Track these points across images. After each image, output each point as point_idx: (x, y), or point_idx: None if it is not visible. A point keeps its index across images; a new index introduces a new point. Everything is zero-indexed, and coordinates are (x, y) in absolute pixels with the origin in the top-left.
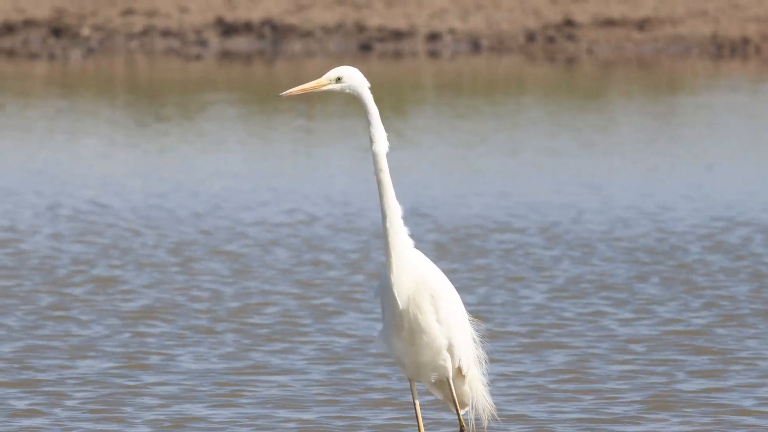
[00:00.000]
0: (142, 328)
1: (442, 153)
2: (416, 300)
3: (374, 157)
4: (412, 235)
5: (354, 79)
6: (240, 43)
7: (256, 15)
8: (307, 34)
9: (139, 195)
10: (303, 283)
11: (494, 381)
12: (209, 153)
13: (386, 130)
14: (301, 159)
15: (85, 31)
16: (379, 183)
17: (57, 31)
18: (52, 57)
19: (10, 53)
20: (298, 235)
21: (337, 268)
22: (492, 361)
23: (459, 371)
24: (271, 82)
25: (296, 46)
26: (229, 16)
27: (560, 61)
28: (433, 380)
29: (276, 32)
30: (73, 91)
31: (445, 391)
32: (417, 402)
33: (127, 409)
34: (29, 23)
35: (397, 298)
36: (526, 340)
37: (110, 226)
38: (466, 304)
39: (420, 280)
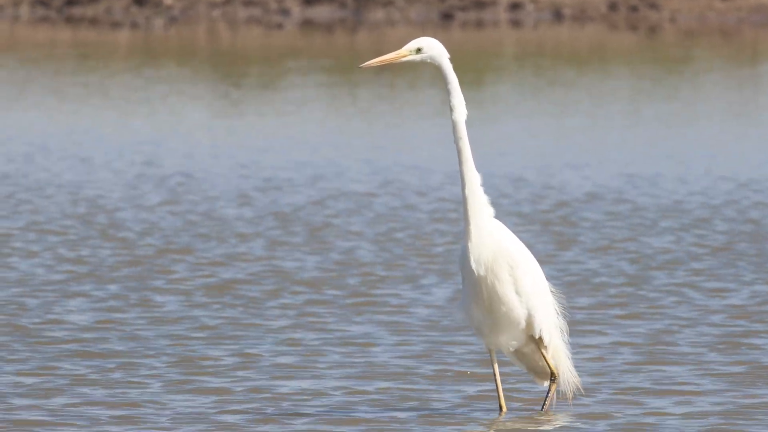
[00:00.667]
0: (254, 293)
1: (525, 122)
2: (494, 269)
3: (454, 125)
4: (496, 205)
5: (434, 49)
6: (322, 11)
7: None
8: (388, 3)
9: (222, 163)
10: (391, 250)
11: (579, 353)
12: (290, 122)
13: (468, 100)
14: (384, 127)
15: (168, 1)
16: (458, 151)
17: (140, 0)
18: (134, 26)
19: (93, 21)
20: (382, 204)
21: (424, 237)
22: (581, 332)
23: (540, 342)
24: (352, 51)
25: (378, 14)
26: None
27: (642, 30)
28: (512, 350)
29: (358, 1)
30: (156, 60)
31: (527, 361)
32: (497, 372)
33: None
34: None
35: (475, 266)
36: (617, 312)
37: (199, 194)
38: (554, 275)
39: (499, 250)
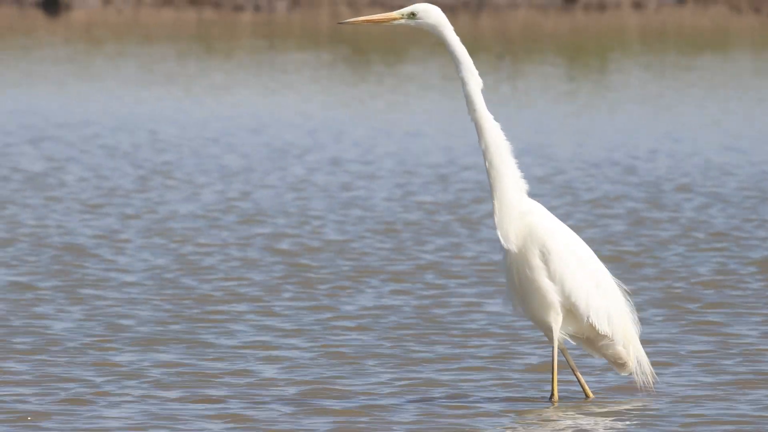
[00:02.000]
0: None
1: (646, 105)
2: (525, 253)
3: (466, 98)
4: (609, 190)
5: (431, 16)
6: None
7: None
8: None
9: (341, 143)
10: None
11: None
12: (412, 103)
13: (589, 82)
14: (503, 108)
15: None
16: (475, 124)
17: None
18: (257, 8)
19: (217, 4)
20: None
21: None
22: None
23: (592, 329)
24: (476, 33)
25: None
26: None
27: (766, 12)
28: (565, 336)
29: None
30: (278, 42)
31: (593, 349)
32: (554, 358)
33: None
34: None
35: (503, 244)
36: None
37: (331, 176)
38: (668, 270)
39: (530, 232)
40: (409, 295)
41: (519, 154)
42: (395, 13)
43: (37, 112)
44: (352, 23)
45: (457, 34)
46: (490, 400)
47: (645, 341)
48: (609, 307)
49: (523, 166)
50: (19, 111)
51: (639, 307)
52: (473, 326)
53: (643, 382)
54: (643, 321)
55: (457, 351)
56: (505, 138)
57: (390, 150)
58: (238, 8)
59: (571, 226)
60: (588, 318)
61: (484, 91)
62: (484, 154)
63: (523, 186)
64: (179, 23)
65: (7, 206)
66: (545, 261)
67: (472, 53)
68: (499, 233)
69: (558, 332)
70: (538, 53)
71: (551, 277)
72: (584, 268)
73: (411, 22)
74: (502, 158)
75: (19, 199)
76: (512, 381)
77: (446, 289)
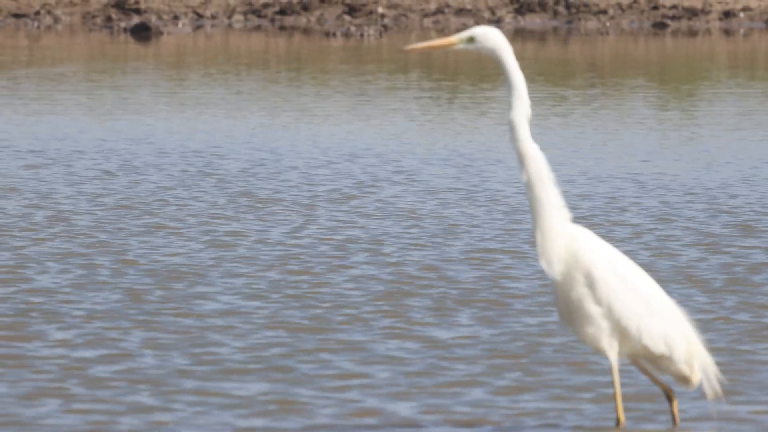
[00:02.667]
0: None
1: (736, 132)
2: (570, 281)
3: (510, 125)
4: (699, 216)
5: (489, 40)
6: (534, 20)
7: None
8: (600, 12)
9: (437, 170)
10: None
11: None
12: (489, 128)
13: (679, 108)
14: (595, 136)
15: (380, 9)
16: (517, 153)
17: (352, 9)
18: (347, 34)
19: (306, 31)
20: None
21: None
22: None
23: (647, 350)
24: (564, 60)
25: (590, 24)
26: None
27: None
28: (624, 358)
29: (570, 10)
30: (368, 69)
31: (659, 367)
32: (615, 379)
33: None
34: (325, 0)
35: (547, 273)
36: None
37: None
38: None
39: (574, 259)
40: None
41: (608, 178)
42: (454, 38)
43: (137, 139)
44: (413, 50)
45: (546, 60)
46: (555, 426)
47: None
48: (665, 327)
49: (614, 190)
50: (120, 138)
51: (738, 339)
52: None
53: (713, 392)
54: (734, 351)
55: (526, 378)
56: (548, 167)
57: (487, 176)
58: (328, 34)
59: (664, 253)
60: (641, 340)
61: (576, 116)
62: (526, 185)
63: (566, 215)
64: (269, 49)
65: (128, 240)
66: (590, 287)
67: (561, 79)
68: (542, 263)
69: (614, 356)
70: (627, 78)
71: (598, 302)
72: (634, 291)
73: (470, 46)
74: (545, 189)
75: (141, 232)
76: (579, 409)
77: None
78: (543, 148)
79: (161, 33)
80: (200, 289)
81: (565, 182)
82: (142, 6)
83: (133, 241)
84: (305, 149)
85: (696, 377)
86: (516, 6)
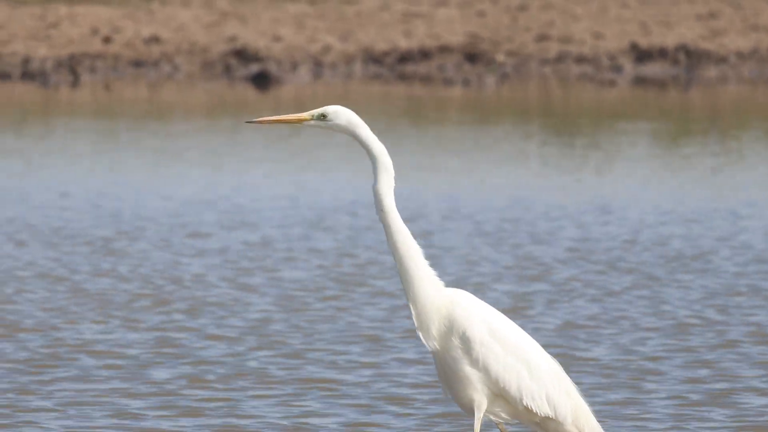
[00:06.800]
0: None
1: None
2: (445, 344)
3: (375, 196)
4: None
5: (340, 118)
6: (654, 68)
7: (670, 40)
8: (721, 60)
9: (563, 221)
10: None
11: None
12: (622, 183)
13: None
14: (716, 194)
15: (500, 57)
16: (383, 224)
17: (471, 57)
18: (466, 83)
19: (426, 79)
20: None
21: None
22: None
23: (530, 413)
24: (684, 108)
25: (710, 72)
26: (643, 42)
27: None
28: (501, 422)
29: (690, 58)
30: (488, 117)
31: (542, 429)
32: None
33: None
34: (444, 49)
35: (425, 345)
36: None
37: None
38: None
39: (449, 323)
40: None
41: (736, 221)
42: (305, 114)
43: (257, 191)
44: (260, 123)
45: (667, 107)
46: None
47: None
48: (547, 388)
49: (736, 238)
50: (247, 192)
51: None
52: None
53: None
54: None
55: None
56: (413, 240)
57: (613, 227)
58: (448, 83)
59: None
60: (522, 401)
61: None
62: (395, 256)
63: (438, 283)
64: (388, 97)
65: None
66: (465, 349)
67: (679, 126)
68: (419, 334)
69: (479, 419)
70: (747, 127)
71: (473, 364)
72: (513, 352)
73: (321, 123)
74: (412, 259)
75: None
76: None
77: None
78: (660, 197)
79: (280, 81)
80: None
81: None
82: (262, 54)
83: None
84: (431, 198)
85: None
86: (636, 54)
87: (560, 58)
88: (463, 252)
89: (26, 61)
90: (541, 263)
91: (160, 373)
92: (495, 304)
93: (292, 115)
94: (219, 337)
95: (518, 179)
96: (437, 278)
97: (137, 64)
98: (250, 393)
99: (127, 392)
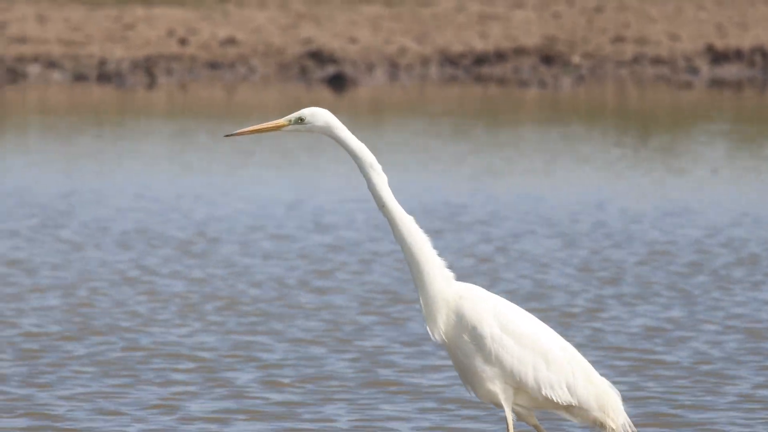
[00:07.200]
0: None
1: None
2: (456, 340)
3: (373, 194)
4: None
5: (318, 120)
6: (730, 70)
7: (746, 42)
8: None
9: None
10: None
11: None
12: (699, 185)
13: None
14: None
15: (576, 59)
16: (387, 219)
17: (547, 59)
18: (542, 84)
19: (501, 81)
20: None
21: None
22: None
23: (551, 402)
24: (761, 110)
25: None
26: (720, 44)
27: None
28: (522, 411)
29: (766, 59)
30: (564, 118)
31: (575, 417)
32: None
33: None
34: (520, 51)
35: (432, 338)
36: None
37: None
38: None
39: (458, 318)
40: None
41: None
42: (283, 120)
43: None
44: (241, 134)
45: (744, 109)
46: None
47: None
48: (567, 377)
49: None
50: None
51: None
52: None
53: None
54: None
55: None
56: (420, 230)
57: (687, 230)
58: (523, 85)
59: None
60: (542, 392)
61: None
62: (402, 248)
63: (448, 275)
64: (464, 99)
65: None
66: (477, 344)
67: (755, 128)
68: (427, 328)
69: (510, 411)
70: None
71: (486, 359)
72: (528, 344)
73: (300, 127)
74: (421, 251)
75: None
76: None
77: None
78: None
79: (356, 83)
80: None
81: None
82: (338, 56)
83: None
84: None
85: (614, 422)
86: (712, 56)
87: (636, 59)
88: (537, 253)
89: (102, 62)
90: (618, 265)
91: (236, 375)
92: (568, 306)
93: (270, 122)
94: (298, 340)
95: (595, 181)
96: (448, 270)
97: (213, 65)
98: (321, 396)
99: (199, 395)
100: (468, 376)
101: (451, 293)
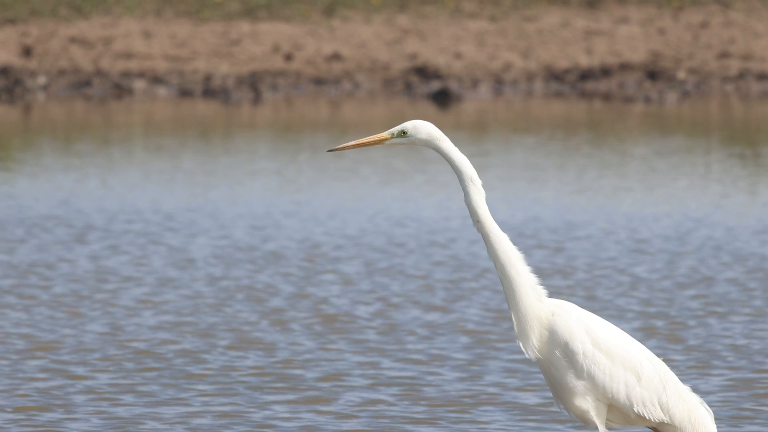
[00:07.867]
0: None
1: None
2: (549, 356)
3: (469, 209)
4: None
5: (421, 132)
6: None
7: None
8: None
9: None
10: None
11: None
12: None
13: None
14: None
15: (681, 75)
16: (482, 235)
17: (652, 75)
18: (647, 100)
19: (606, 96)
20: None
21: None
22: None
23: (643, 419)
24: None
25: None
26: None
27: None
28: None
29: None
30: (670, 133)
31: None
32: None
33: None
34: (625, 66)
35: (525, 354)
36: None
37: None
38: None
39: (550, 335)
40: None
41: None
42: (385, 134)
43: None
44: (343, 148)
45: None
46: None
47: None
48: (659, 394)
49: None
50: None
51: None
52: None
53: None
54: None
55: None
56: (513, 247)
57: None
58: (628, 100)
59: None
60: (634, 409)
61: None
62: (496, 265)
63: (540, 292)
64: (569, 114)
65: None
66: (569, 360)
67: None
68: (520, 344)
69: (603, 428)
70: None
71: (578, 375)
72: (620, 361)
73: (403, 140)
74: (514, 268)
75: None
76: None
77: None
78: None
79: (461, 99)
80: None
81: None
82: (443, 72)
83: None
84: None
85: None
86: None
87: (741, 75)
88: (636, 271)
89: (208, 78)
90: (722, 285)
91: (303, 373)
92: (672, 325)
93: (373, 136)
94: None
95: (700, 197)
96: (540, 287)
97: (318, 81)
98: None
99: (243, 409)
100: (560, 392)
101: (544, 310)
